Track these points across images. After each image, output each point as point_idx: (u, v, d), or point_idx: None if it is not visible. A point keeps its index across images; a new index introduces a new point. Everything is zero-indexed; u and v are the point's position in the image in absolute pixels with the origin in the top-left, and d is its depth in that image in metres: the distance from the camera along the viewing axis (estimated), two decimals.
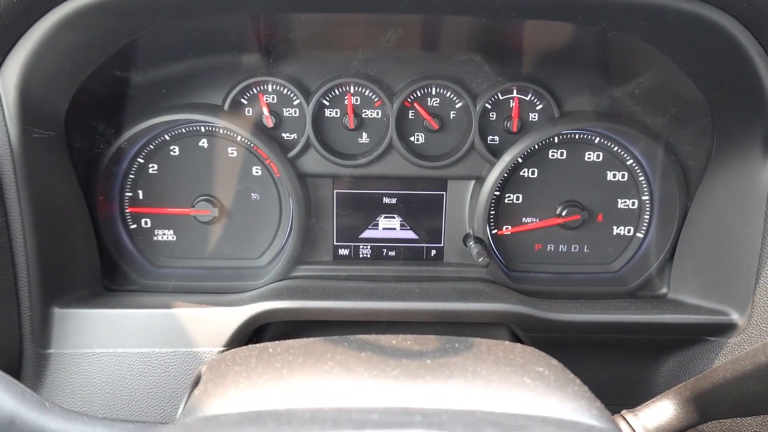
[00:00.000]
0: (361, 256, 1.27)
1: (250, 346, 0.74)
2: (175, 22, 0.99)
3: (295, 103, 1.20)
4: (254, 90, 1.19)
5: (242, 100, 1.19)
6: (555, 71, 1.19)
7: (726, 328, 1.07)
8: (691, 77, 1.03)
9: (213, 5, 0.91)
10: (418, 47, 1.19)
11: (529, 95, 1.20)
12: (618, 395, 1.17)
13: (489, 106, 1.20)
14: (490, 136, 1.22)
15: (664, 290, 1.25)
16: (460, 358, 0.67)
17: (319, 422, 0.48)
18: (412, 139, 1.23)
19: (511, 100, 1.20)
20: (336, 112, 1.21)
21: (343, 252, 1.27)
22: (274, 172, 1.21)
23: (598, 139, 1.22)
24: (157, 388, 1.00)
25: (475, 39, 1.16)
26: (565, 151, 1.23)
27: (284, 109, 1.20)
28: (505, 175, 1.21)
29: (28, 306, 0.97)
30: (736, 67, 0.93)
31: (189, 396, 0.70)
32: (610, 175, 1.24)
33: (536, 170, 1.24)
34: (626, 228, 1.27)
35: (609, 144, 1.22)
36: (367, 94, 1.20)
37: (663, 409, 0.83)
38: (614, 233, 1.27)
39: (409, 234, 1.27)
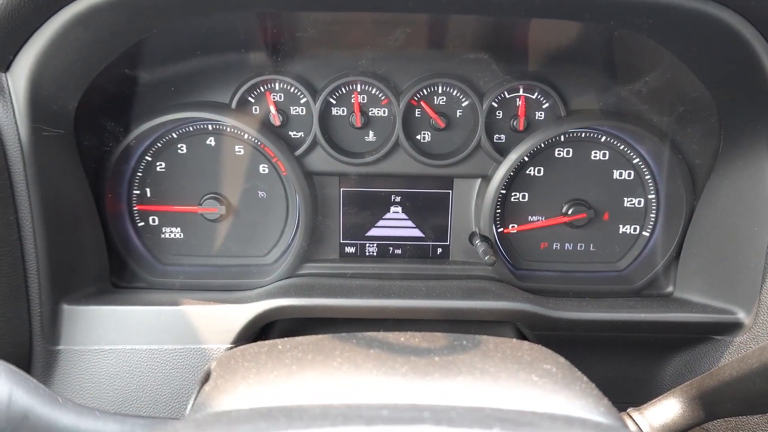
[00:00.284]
0: (367, 254, 1.28)
1: (259, 342, 0.74)
2: (184, 21, 1.00)
3: (302, 101, 1.20)
4: (261, 88, 1.20)
5: (249, 99, 1.20)
6: (561, 70, 1.19)
7: (732, 327, 1.07)
8: (698, 75, 1.03)
9: (222, 4, 0.92)
10: (425, 46, 1.20)
11: (536, 94, 1.20)
12: (624, 393, 1.17)
13: (495, 105, 1.21)
14: (497, 135, 1.22)
15: (670, 289, 1.25)
16: (468, 355, 0.68)
17: (329, 418, 0.48)
18: (418, 137, 1.23)
19: (518, 99, 1.20)
20: (343, 111, 1.21)
21: (350, 250, 1.28)
22: (281, 170, 1.22)
23: (604, 137, 1.22)
24: (166, 385, 1.01)
25: (482, 37, 1.16)
26: (571, 150, 1.23)
27: (291, 107, 1.21)
28: (512, 173, 1.22)
29: (38, 302, 0.97)
30: (743, 65, 0.93)
31: (198, 392, 0.71)
32: (616, 174, 1.24)
33: (542, 169, 1.24)
34: (632, 227, 1.27)
35: (615, 142, 1.22)
36: (373, 92, 1.21)
37: (669, 407, 0.83)
38: (620, 232, 1.27)
39: (416, 232, 1.28)
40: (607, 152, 1.23)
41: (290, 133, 1.22)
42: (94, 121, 1.12)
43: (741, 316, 1.06)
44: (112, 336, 1.02)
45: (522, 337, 1.15)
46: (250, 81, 1.18)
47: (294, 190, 1.21)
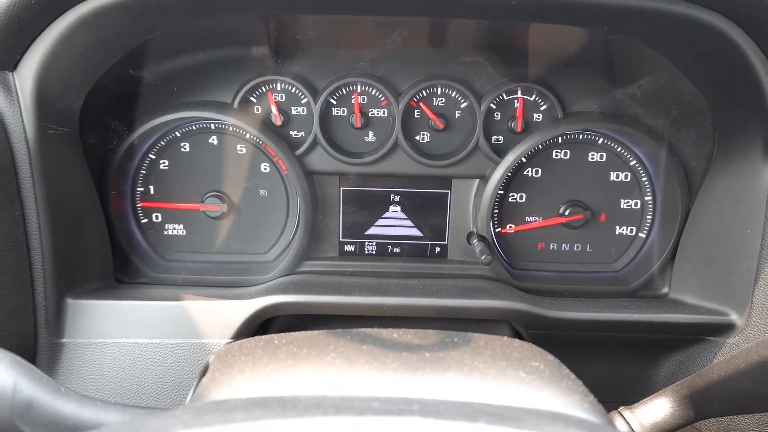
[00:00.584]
0: (366, 252, 1.30)
1: (256, 337, 0.76)
2: (187, 23, 1.02)
3: (303, 101, 1.22)
4: (263, 88, 1.22)
5: (251, 99, 1.22)
6: (559, 72, 1.20)
7: (725, 328, 1.08)
8: (692, 80, 1.05)
9: (224, 6, 0.94)
10: (424, 48, 1.21)
11: (534, 96, 1.22)
12: (617, 393, 1.19)
13: (494, 107, 1.22)
14: (495, 136, 1.24)
15: (665, 290, 1.26)
16: (459, 352, 0.69)
17: (322, 408, 0.50)
18: (417, 138, 1.25)
19: (516, 101, 1.21)
20: (343, 111, 1.23)
21: (349, 248, 1.30)
22: (282, 169, 1.24)
23: (601, 139, 1.23)
24: (167, 378, 1.03)
25: (480, 41, 1.18)
26: (568, 151, 1.24)
27: (292, 107, 1.23)
28: (509, 174, 1.23)
29: (42, 296, 1.00)
30: (737, 71, 0.95)
31: (197, 384, 0.73)
32: (613, 176, 1.25)
33: (540, 170, 1.26)
34: (629, 228, 1.28)
35: (612, 144, 1.23)
36: (373, 93, 1.22)
37: (660, 406, 0.85)
38: (617, 233, 1.29)
39: (414, 231, 1.29)
40: (604, 154, 1.24)
41: (291, 132, 1.24)
42: (99, 120, 1.14)
43: (734, 317, 1.07)
44: (115, 330, 1.05)
45: (518, 336, 1.17)
46: (252, 81, 1.20)
47: (294, 189, 1.23)
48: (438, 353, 0.68)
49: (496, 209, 1.27)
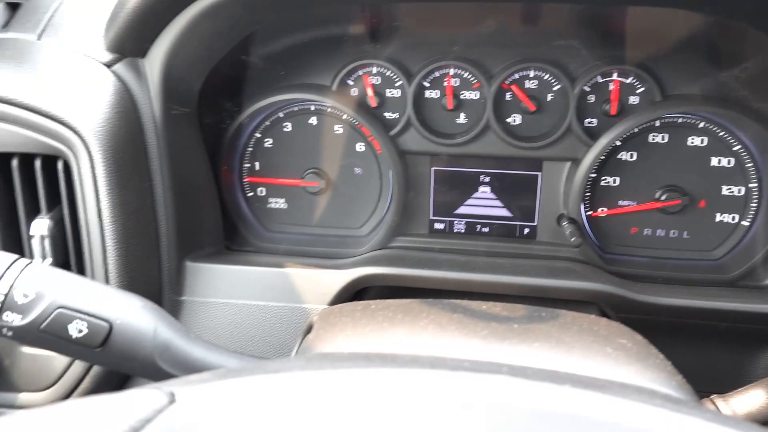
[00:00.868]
0: (455, 230, 1.34)
1: (354, 302, 0.83)
2: (294, 12, 1.09)
3: (398, 84, 1.27)
4: (360, 72, 1.28)
5: (349, 81, 1.29)
6: (657, 55, 1.17)
7: None
8: None
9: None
10: (517, 31, 1.22)
11: (630, 78, 1.19)
12: (710, 383, 1.15)
13: (588, 89, 1.21)
14: (588, 119, 1.23)
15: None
16: (546, 325, 0.73)
17: (418, 364, 0.55)
18: (508, 120, 1.26)
19: (611, 83, 1.20)
20: (436, 93, 1.27)
21: (439, 226, 1.34)
22: (376, 149, 1.30)
23: (702, 123, 1.19)
24: (270, 337, 1.14)
25: (574, 24, 1.17)
26: (666, 135, 1.21)
27: (387, 89, 1.28)
28: (602, 157, 1.22)
29: (166, 259, 1.13)
30: None
31: (301, 341, 0.81)
32: (714, 161, 1.21)
33: (635, 153, 1.23)
34: (731, 215, 1.23)
35: (714, 129, 1.19)
36: (466, 76, 1.25)
37: (756, 397, 0.83)
38: (717, 220, 1.24)
39: (503, 211, 1.32)
40: (705, 138, 1.20)
41: (385, 114, 1.29)
42: (214, 101, 1.25)
43: None
44: (225, 291, 1.16)
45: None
46: (350, 65, 1.27)
47: (388, 168, 1.29)
48: (526, 325, 0.72)
49: (587, 192, 1.26)
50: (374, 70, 1.28)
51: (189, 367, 0.70)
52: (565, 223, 1.23)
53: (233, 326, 1.14)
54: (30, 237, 1.06)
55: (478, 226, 1.33)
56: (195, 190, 1.20)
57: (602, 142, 1.19)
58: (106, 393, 1.15)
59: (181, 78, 1.12)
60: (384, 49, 1.27)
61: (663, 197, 1.23)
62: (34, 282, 0.66)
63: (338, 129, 1.32)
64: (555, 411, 0.45)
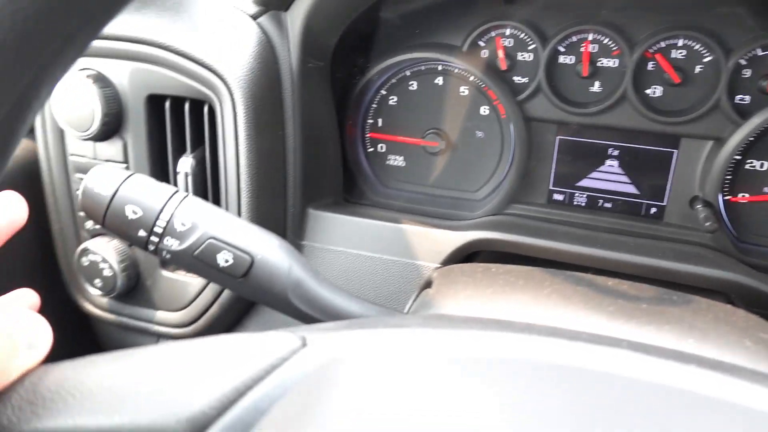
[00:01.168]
0: (575, 203, 1.30)
1: (473, 263, 0.84)
2: None
3: (531, 47, 1.23)
4: (493, 33, 1.25)
5: (480, 43, 1.26)
6: None
7: None
8: None
9: None
10: None
11: None
12: None
13: (744, 63, 1.10)
14: (739, 95, 1.13)
15: None
16: (678, 309, 0.69)
17: (534, 332, 0.55)
18: (648, 91, 1.19)
19: None
20: (570, 59, 1.22)
21: (558, 197, 1.31)
22: (501, 114, 1.28)
23: None
24: (381, 288, 1.18)
25: None
26: None
27: (519, 53, 1.25)
28: (751, 138, 1.12)
29: (292, 204, 1.20)
30: None
31: (418, 295, 0.83)
32: None
33: None
34: None
35: None
36: (605, 42, 1.18)
37: None
38: None
39: (630, 188, 1.25)
40: None
41: (515, 78, 1.26)
42: (346, 57, 1.29)
43: None
44: (342, 240, 1.21)
45: None
46: (482, 26, 1.24)
47: (511, 134, 1.27)
48: (655, 306, 0.69)
49: (728, 175, 1.17)
50: (507, 32, 1.24)
51: (316, 306, 0.75)
52: (699, 206, 1.15)
53: (348, 273, 1.19)
54: (176, 173, 1.16)
55: (600, 201, 1.28)
56: (321, 141, 1.25)
57: (754, 122, 1.09)
58: (232, 319, 1.24)
59: (319, 32, 1.16)
60: (520, 11, 1.22)
61: None
62: (190, 213, 0.73)
63: (464, 91, 1.30)
64: (676, 389, 0.43)
